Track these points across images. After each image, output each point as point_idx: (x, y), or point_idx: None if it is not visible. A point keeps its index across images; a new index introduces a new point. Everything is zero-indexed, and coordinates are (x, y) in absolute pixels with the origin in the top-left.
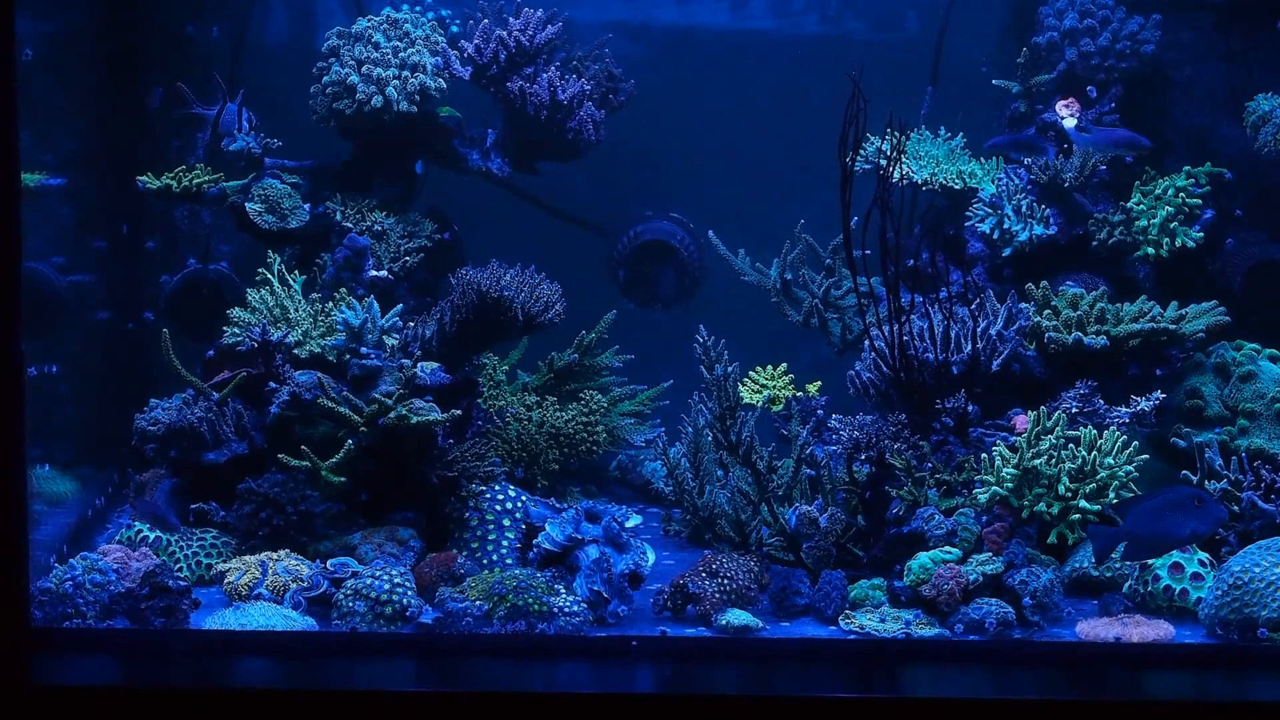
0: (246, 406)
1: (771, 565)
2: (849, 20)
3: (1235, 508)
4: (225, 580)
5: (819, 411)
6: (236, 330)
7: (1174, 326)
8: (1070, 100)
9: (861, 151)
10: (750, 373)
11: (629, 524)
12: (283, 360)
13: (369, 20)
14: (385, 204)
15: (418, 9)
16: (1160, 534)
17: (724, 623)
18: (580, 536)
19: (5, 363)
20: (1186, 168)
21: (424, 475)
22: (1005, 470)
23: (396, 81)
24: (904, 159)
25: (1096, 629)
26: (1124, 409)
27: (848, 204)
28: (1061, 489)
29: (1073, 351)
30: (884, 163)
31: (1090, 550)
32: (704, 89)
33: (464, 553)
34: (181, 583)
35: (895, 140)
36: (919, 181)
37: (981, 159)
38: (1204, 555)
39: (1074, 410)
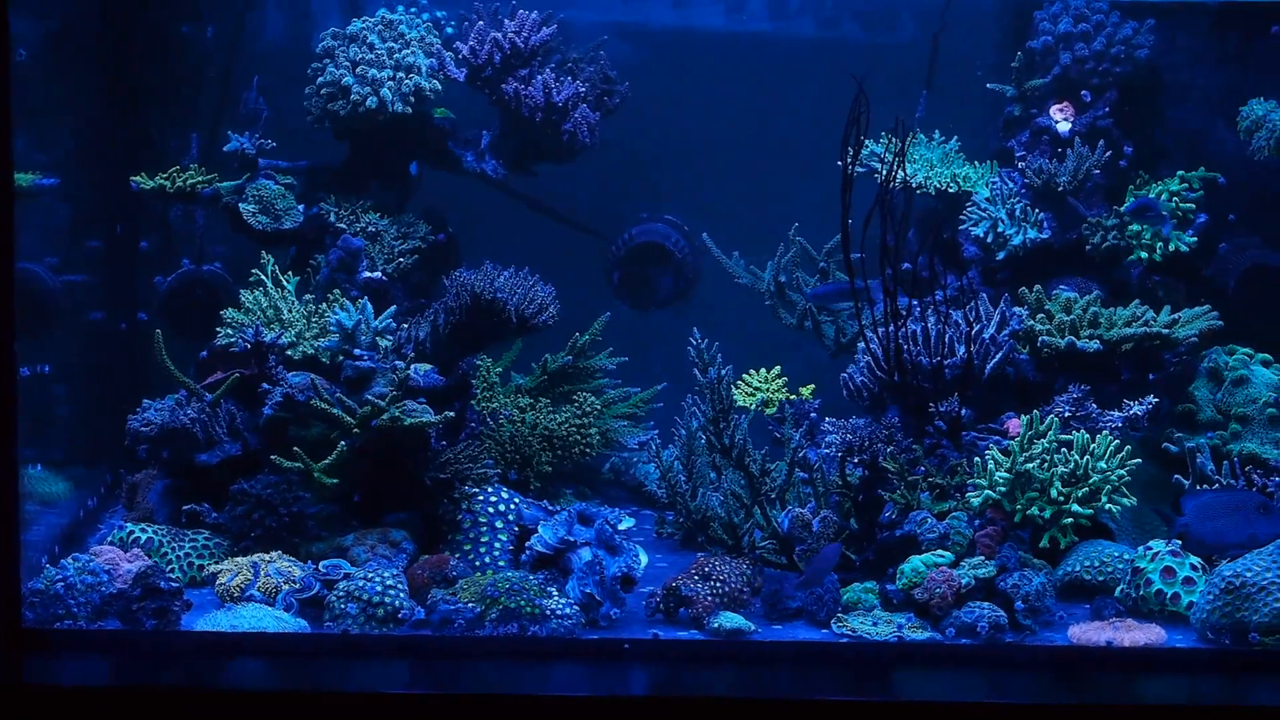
0: (240, 408)
1: (764, 568)
2: (845, 23)
3: None
4: (217, 582)
5: (812, 415)
6: (230, 331)
7: (1167, 331)
8: (1065, 104)
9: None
10: (744, 376)
11: (622, 526)
12: (276, 361)
13: (364, 21)
14: (380, 205)
15: (413, 10)
16: (1219, 534)
17: (716, 626)
18: (573, 539)
19: None
20: (1180, 172)
21: (417, 477)
22: (998, 474)
23: (391, 83)
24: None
25: (1088, 633)
26: (1117, 413)
27: (847, 206)
28: (1054, 493)
29: (1066, 355)
30: (881, 165)
31: (1082, 554)
32: (700, 91)
33: (457, 555)
34: (173, 584)
35: (899, 144)
36: (913, 185)
37: (976, 162)
38: (1196, 560)
39: (1067, 414)
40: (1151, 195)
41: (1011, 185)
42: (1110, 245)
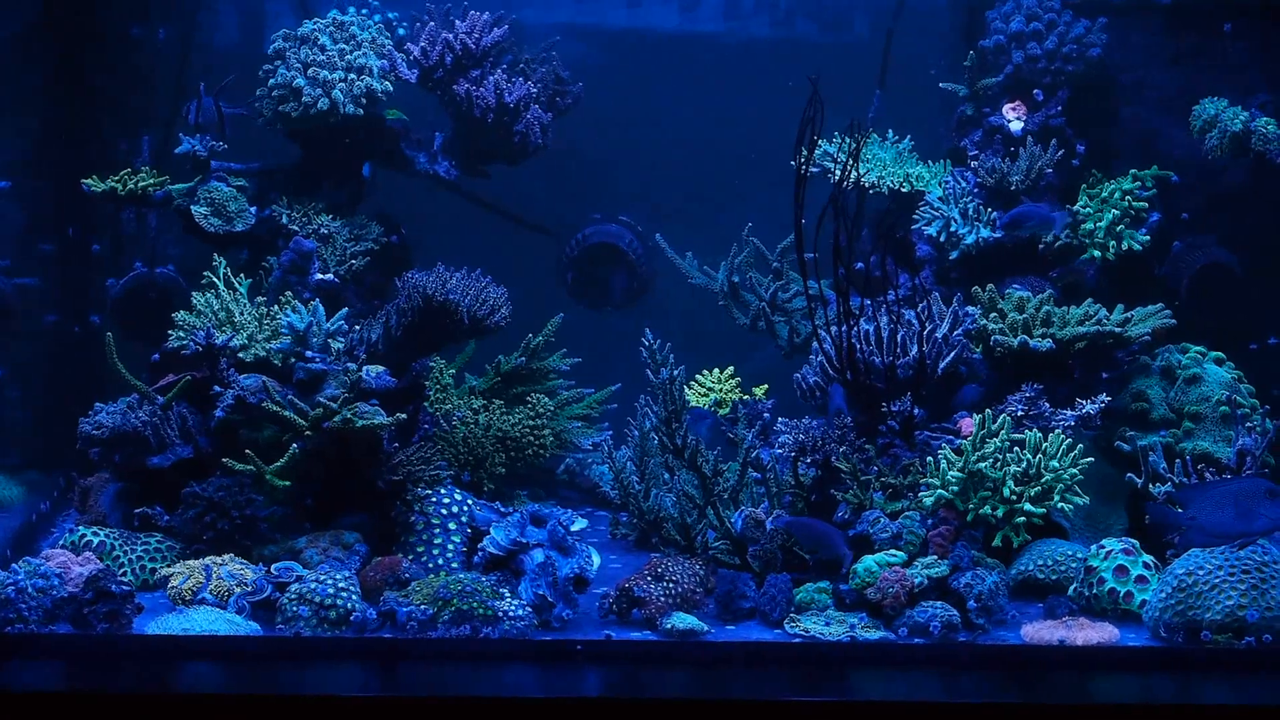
0: (192, 410)
1: (718, 569)
2: (799, 23)
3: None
4: (169, 585)
5: (766, 415)
6: (182, 334)
7: (1120, 329)
8: (1017, 103)
9: (815, 154)
10: (697, 376)
11: (574, 527)
12: (228, 364)
13: (315, 23)
14: (333, 207)
15: (364, 11)
16: (1229, 524)
17: (669, 626)
18: (525, 540)
19: None
20: (1133, 171)
21: (370, 479)
22: (950, 473)
23: (343, 84)
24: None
25: (1041, 632)
26: (1069, 412)
27: (801, 205)
28: (1006, 492)
29: (1018, 354)
30: (834, 165)
31: (1035, 553)
32: (653, 91)
33: (410, 556)
34: (125, 587)
35: (852, 143)
36: (866, 184)
37: (929, 162)
38: (1149, 558)
39: (1019, 413)
40: (1106, 192)
41: (964, 184)
42: (1063, 244)
